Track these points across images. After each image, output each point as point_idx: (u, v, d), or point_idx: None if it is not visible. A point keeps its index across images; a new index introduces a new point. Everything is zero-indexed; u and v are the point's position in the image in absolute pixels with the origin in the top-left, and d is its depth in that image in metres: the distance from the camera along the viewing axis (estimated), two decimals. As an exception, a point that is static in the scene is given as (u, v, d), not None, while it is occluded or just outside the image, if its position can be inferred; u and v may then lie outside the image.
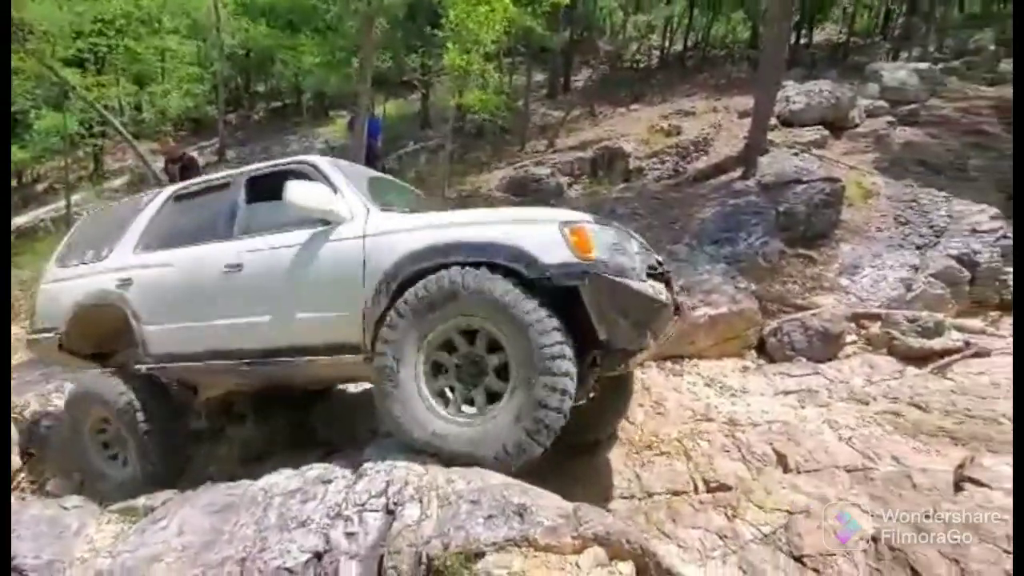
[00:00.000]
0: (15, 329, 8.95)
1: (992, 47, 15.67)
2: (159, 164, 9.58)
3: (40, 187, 17.71)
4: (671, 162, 10.79)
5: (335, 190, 3.02)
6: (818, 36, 19.91)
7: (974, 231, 6.78)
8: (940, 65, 14.97)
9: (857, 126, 11.75)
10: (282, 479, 2.45)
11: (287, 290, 2.95)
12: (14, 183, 18.06)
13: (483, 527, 1.83)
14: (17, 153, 14.22)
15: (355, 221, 2.90)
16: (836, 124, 11.69)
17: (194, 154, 9.48)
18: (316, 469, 2.46)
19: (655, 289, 2.65)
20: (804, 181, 8.05)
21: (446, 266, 2.46)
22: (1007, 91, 13.10)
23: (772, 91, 10.14)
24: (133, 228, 3.88)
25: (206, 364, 3.26)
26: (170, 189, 4.08)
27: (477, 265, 2.41)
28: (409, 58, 14.20)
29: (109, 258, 3.86)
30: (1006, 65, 14.71)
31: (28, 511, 3.15)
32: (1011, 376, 3.58)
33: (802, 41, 18.36)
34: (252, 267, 3.12)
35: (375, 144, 9.99)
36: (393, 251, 2.64)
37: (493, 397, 2.38)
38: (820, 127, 11.35)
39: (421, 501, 2.01)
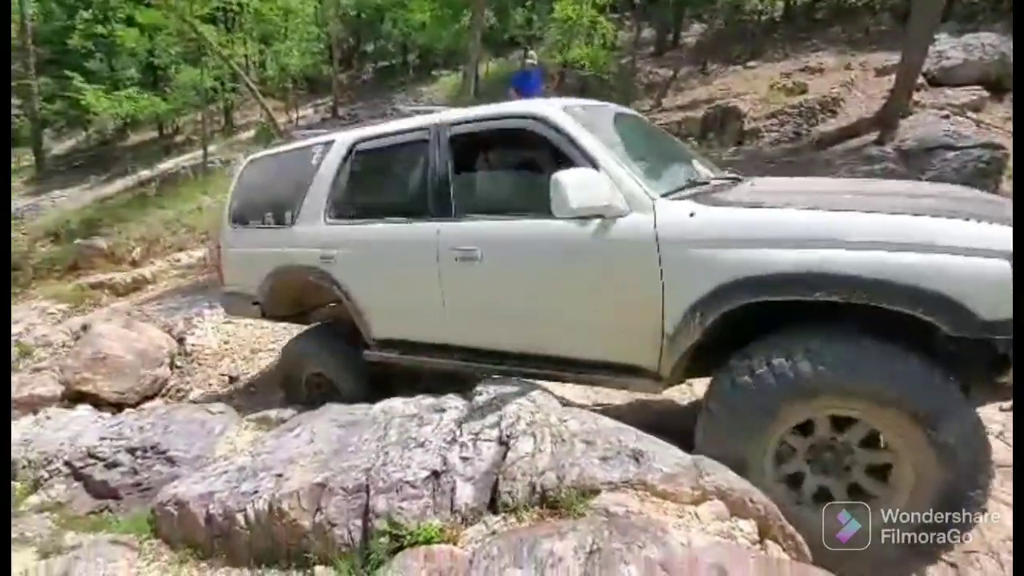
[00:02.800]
0: (160, 263, 10.22)
1: None
2: (283, 118, 10.25)
3: (179, 138, 19.76)
4: (792, 124, 9.86)
5: (594, 165, 2.32)
6: (985, -19, 16.96)
7: None
8: None
9: (1027, 86, 9.99)
10: (399, 404, 2.60)
11: (546, 292, 2.48)
12: (156, 134, 20.30)
13: (598, 467, 1.83)
14: (161, 105, 15.86)
15: (638, 215, 2.21)
16: (999, 84, 10.03)
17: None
18: (430, 399, 2.58)
19: None
20: (956, 148, 7.04)
21: (803, 303, 1.86)
22: None
23: (923, 44, 8.85)
24: (315, 191, 3.43)
25: (442, 359, 2.96)
26: (346, 141, 3.38)
27: (865, 311, 1.78)
28: (515, 13, 13.96)
29: (298, 225, 3.49)
30: None
31: (180, 412, 3.62)
32: None
33: (963, -12, 15.75)
34: (494, 260, 2.62)
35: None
36: (711, 270, 2.00)
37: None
38: (979, 87, 9.82)
39: (534, 436, 2.05)
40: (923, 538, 1.84)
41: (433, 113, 3.15)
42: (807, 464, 2.00)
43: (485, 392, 2.44)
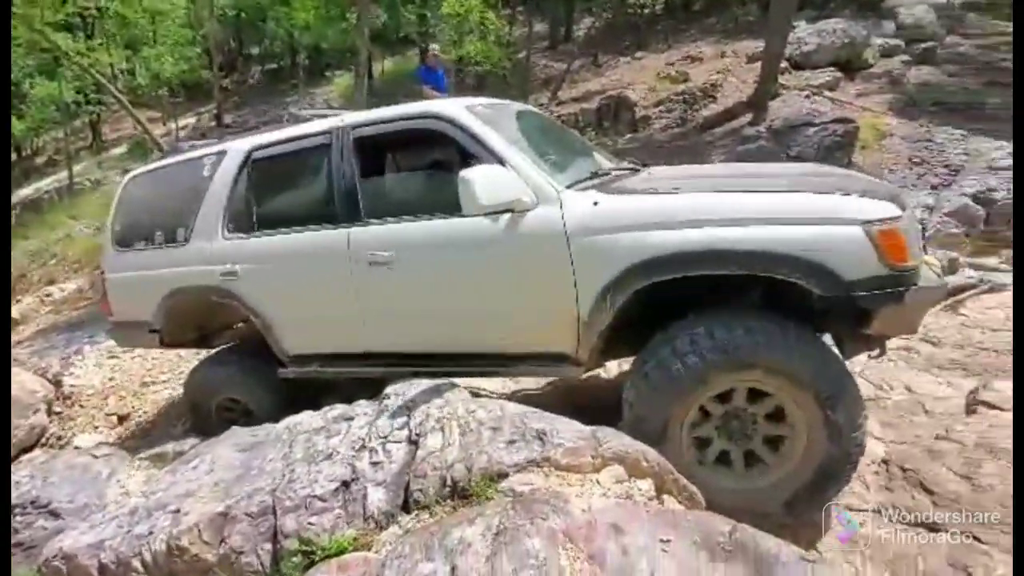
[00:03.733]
0: (28, 299, 9.09)
1: (1015, -22, 14.93)
2: (159, 130, 9.47)
3: (40, 159, 17.63)
4: (679, 110, 10.53)
5: (500, 161, 2.35)
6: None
7: (991, 168, 6.65)
8: (959, 0, 14.33)
9: (871, 66, 11.34)
10: (305, 419, 2.51)
11: (463, 290, 2.50)
12: (14, 156, 17.98)
13: (505, 451, 1.88)
14: (16, 125, 14.10)
15: (545, 210, 2.27)
16: (850, 65, 11.29)
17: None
18: (337, 408, 2.51)
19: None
20: (815, 124, 7.86)
21: (695, 278, 2.02)
22: (1029, 25, 12.56)
23: (783, 33, 9.77)
24: (210, 203, 3.21)
25: (365, 368, 2.88)
26: (241, 149, 3.20)
27: (745, 280, 2.00)
28: (406, 9, 13.75)
29: (193, 242, 3.24)
30: (1029, -3, 14.06)
31: (60, 460, 3.26)
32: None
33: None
34: (408, 262, 2.58)
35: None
36: (613, 257, 2.11)
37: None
38: (833, 68, 10.99)
39: (443, 430, 2.06)
40: (800, 499, 2.08)
41: (332, 116, 3.05)
42: (716, 430, 2.16)
43: (394, 394, 2.41)
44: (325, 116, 3.15)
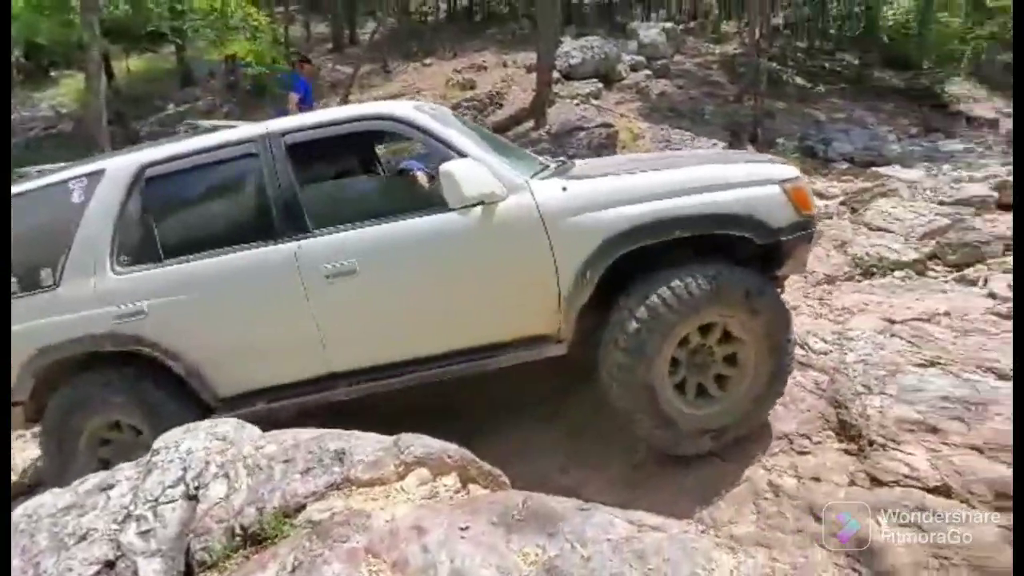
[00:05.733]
0: None
1: (716, 11, 18.90)
2: None
3: None
4: (470, 115, 10.99)
5: (463, 156, 2.40)
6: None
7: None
8: (680, 26, 17.61)
9: (624, 79, 13.30)
10: (48, 499, 2.03)
11: (444, 287, 2.47)
12: None
13: (300, 482, 1.77)
14: None
15: (517, 198, 2.39)
16: (608, 77, 13.07)
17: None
18: (92, 479, 2.09)
19: None
20: (585, 128, 8.96)
21: (659, 244, 2.30)
22: (729, 48, 16.04)
23: (551, 47, 10.89)
24: (87, 234, 2.65)
25: (325, 393, 2.61)
26: (127, 167, 2.72)
27: (699, 239, 2.31)
28: (152, 1, 11.85)
29: (65, 285, 2.63)
30: (726, 27, 17.95)
31: None
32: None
33: (574, 0, 19.83)
34: (377, 268, 2.46)
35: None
36: (590, 233, 2.32)
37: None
38: (595, 80, 12.60)
39: (228, 476, 1.86)
40: (759, 405, 2.46)
41: (246, 127, 2.83)
42: (688, 370, 2.43)
43: (164, 447, 2.09)
44: (220, 128, 2.93)
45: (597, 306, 2.44)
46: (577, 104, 10.96)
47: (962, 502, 1.83)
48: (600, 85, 12.43)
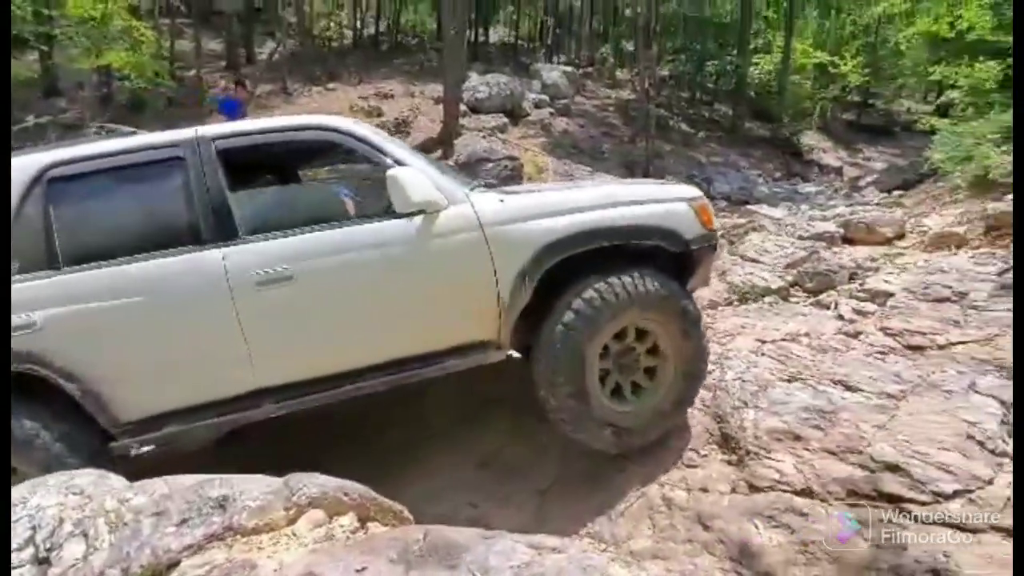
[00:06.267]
0: None
1: (611, 59, 20.46)
2: None
3: None
4: (376, 143, 10.93)
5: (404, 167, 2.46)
6: (493, 36, 22.60)
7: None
8: (580, 70, 18.84)
9: (528, 115, 13.91)
10: None
11: (386, 295, 2.47)
12: None
13: (174, 536, 1.59)
14: None
15: (458, 208, 2.47)
16: (513, 112, 13.61)
17: None
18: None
19: None
20: (492, 160, 9.21)
21: (589, 252, 2.47)
22: (623, 93, 17.40)
23: (458, 80, 11.17)
24: None
25: (248, 413, 2.45)
26: (26, 168, 2.44)
27: (621, 248, 2.51)
28: (16, 4, 10.55)
29: None
30: (620, 74, 19.48)
31: None
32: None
33: (480, 38, 20.55)
34: (317, 276, 2.40)
35: None
36: (527, 242, 2.45)
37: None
38: (501, 114, 13.06)
39: (86, 534, 1.62)
40: (666, 416, 2.65)
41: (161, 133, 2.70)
42: (614, 365, 2.58)
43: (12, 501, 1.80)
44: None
45: (534, 312, 2.59)
46: (484, 137, 11.26)
47: (822, 501, 2.06)
48: (506, 120, 12.89)
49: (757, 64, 17.29)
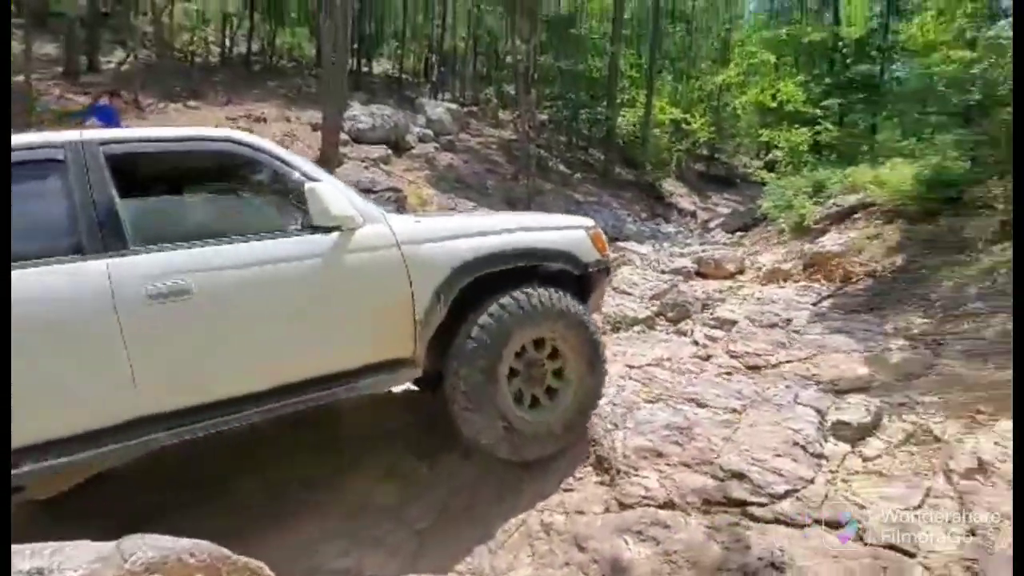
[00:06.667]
0: None
1: (494, 100, 21.38)
2: None
3: None
4: (246, 167, 10.23)
5: (314, 182, 2.40)
6: (377, 68, 22.55)
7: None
8: (464, 108, 19.42)
9: (412, 148, 13.96)
10: None
11: (298, 311, 2.34)
12: None
13: (-40, 626, 1.29)
14: None
15: (374, 227, 2.45)
16: (398, 145, 13.59)
17: None
18: None
19: None
20: (375, 191, 9.05)
21: (503, 273, 2.59)
22: (505, 133, 18.20)
23: (338, 109, 10.91)
24: None
25: (130, 444, 2.11)
26: None
27: (531, 270, 2.67)
28: None
29: None
30: (503, 114, 20.40)
31: None
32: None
33: (364, 69, 20.38)
34: (220, 291, 2.23)
35: None
36: (443, 261, 2.50)
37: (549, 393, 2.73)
38: (385, 146, 12.96)
39: None
40: (581, 414, 2.81)
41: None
42: (524, 370, 2.65)
43: None
44: None
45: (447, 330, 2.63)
46: (366, 167, 11.07)
47: (681, 511, 2.23)
48: (390, 151, 12.82)
49: (624, 116, 19.16)
